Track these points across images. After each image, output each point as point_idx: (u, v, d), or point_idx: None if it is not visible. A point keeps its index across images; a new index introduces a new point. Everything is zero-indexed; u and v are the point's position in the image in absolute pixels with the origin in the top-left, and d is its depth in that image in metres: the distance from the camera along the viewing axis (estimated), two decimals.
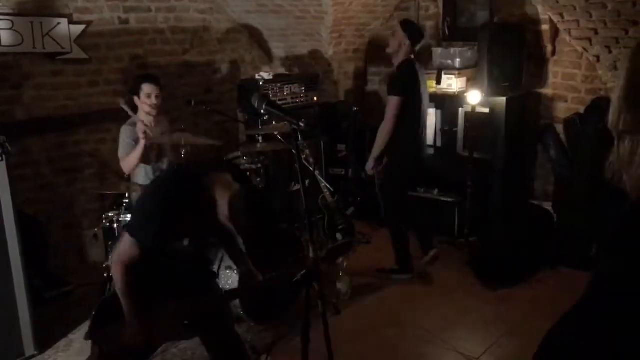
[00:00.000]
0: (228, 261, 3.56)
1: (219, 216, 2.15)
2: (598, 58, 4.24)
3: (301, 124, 1.85)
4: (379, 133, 4.20)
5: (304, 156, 4.50)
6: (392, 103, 4.11)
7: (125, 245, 2.20)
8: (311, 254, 1.82)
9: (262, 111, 1.92)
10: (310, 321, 1.94)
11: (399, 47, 4.15)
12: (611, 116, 0.75)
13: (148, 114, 3.96)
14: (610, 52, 4.07)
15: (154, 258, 2.29)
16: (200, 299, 2.37)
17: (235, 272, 3.48)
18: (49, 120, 4.53)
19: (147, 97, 3.91)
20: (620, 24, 3.78)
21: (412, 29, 4.21)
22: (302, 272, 1.80)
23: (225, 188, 2.15)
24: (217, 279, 2.68)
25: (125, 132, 3.94)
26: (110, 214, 3.63)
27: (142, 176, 4.04)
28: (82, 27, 4.57)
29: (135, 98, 3.95)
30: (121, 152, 3.94)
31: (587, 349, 0.66)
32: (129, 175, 3.99)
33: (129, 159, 3.85)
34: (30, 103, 4.43)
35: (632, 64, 0.71)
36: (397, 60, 4.21)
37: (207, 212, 2.16)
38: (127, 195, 3.66)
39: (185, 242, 2.27)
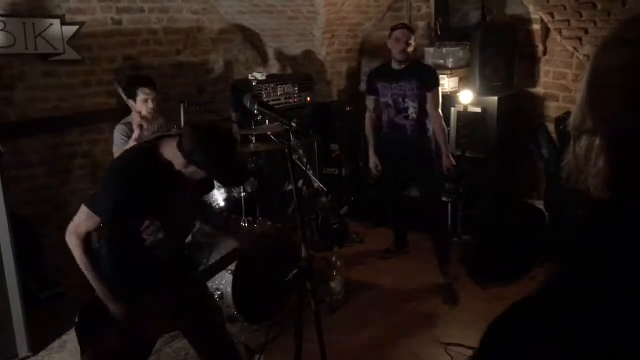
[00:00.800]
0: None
1: (181, 173, 2.15)
2: (588, 57, 4.27)
3: (293, 124, 1.85)
4: (443, 126, 4.25)
5: (296, 156, 4.51)
6: (440, 93, 4.28)
7: (82, 216, 2.17)
8: (303, 254, 1.79)
9: (254, 111, 1.93)
10: (302, 320, 1.94)
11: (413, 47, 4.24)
12: (573, 116, 0.76)
13: (143, 117, 3.95)
14: None
15: (131, 250, 2.27)
16: (180, 287, 2.35)
17: (229, 272, 3.49)
18: (42, 121, 4.52)
19: (143, 103, 3.86)
20: (610, 23, 3.82)
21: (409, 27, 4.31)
22: (294, 272, 1.80)
23: (169, 141, 2.16)
24: (194, 269, 2.63)
25: (118, 131, 3.96)
26: None
27: None
28: (75, 27, 4.57)
29: (130, 101, 3.93)
30: (115, 150, 3.97)
31: (529, 342, 0.67)
32: None
33: None
34: (23, 104, 4.43)
35: (595, 62, 0.72)
36: (411, 58, 4.26)
37: (168, 181, 2.17)
38: None
39: (160, 235, 2.24)
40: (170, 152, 2.14)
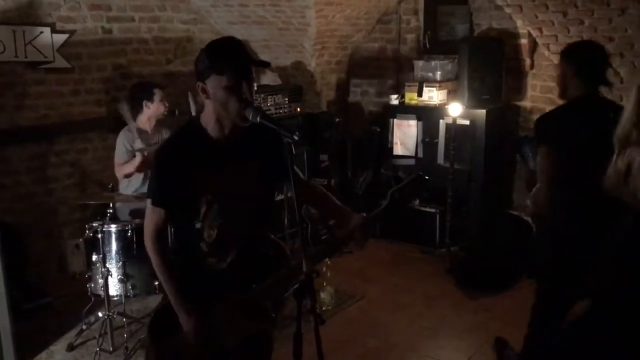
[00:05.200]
0: None
1: (221, 137, 2.05)
2: None
3: (295, 137, 1.85)
4: None
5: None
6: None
7: (147, 214, 2.11)
8: (304, 268, 1.75)
9: (257, 122, 1.92)
10: (302, 336, 1.93)
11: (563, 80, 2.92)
12: (621, 129, 0.77)
13: (161, 114, 4.13)
14: None
15: (195, 251, 2.13)
16: (253, 290, 2.13)
17: None
18: (30, 130, 4.49)
19: (160, 102, 4.11)
20: (596, 39, 3.89)
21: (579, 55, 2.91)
22: (295, 286, 1.79)
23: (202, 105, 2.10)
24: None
25: (122, 138, 4.02)
26: (94, 224, 3.60)
27: (125, 186, 4.06)
28: (65, 36, 4.55)
29: (146, 103, 4.08)
30: (117, 158, 4.02)
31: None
32: (112, 185, 3.98)
33: (124, 168, 3.98)
34: (11, 112, 4.39)
35: None
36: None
37: (215, 151, 2.07)
38: (110, 205, 3.64)
39: (220, 220, 2.08)
40: (205, 112, 2.05)
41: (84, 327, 3.71)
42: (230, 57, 1.99)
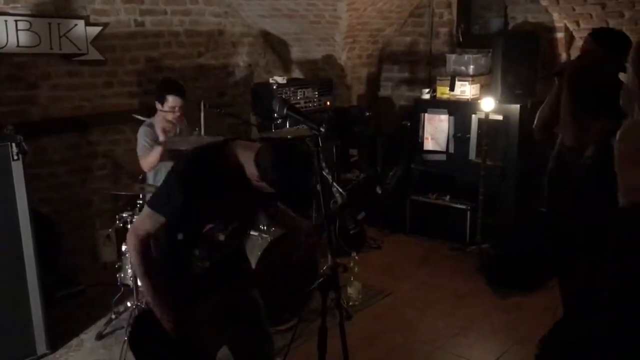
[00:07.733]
0: None
1: (250, 180, 2.04)
2: None
3: (322, 129, 1.83)
4: None
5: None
6: None
7: (143, 217, 2.13)
8: (329, 261, 1.75)
9: (284, 115, 1.91)
10: (327, 330, 1.92)
11: None
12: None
13: (168, 121, 3.99)
14: None
15: (186, 251, 2.19)
16: (238, 297, 2.27)
17: None
18: (64, 121, 4.56)
19: (170, 109, 3.93)
20: (638, 32, 3.77)
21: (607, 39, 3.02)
22: (320, 280, 1.78)
23: (246, 148, 2.07)
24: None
25: (142, 133, 4.00)
26: (124, 215, 3.64)
27: (152, 176, 4.08)
28: (99, 28, 4.61)
29: (158, 104, 3.98)
30: (139, 152, 4.01)
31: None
32: (143, 176, 4.02)
33: (149, 159, 3.91)
34: (46, 103, 4.47)
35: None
36: None
37: (235, 183, 2.07)
38: (140, 196, 3.67)
39: (222, 237, 2.16)
40: (246, 159, 2.05)
41: (113, 316, 3.76)
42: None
